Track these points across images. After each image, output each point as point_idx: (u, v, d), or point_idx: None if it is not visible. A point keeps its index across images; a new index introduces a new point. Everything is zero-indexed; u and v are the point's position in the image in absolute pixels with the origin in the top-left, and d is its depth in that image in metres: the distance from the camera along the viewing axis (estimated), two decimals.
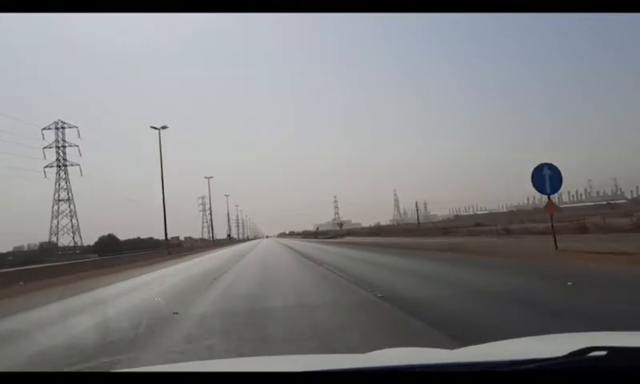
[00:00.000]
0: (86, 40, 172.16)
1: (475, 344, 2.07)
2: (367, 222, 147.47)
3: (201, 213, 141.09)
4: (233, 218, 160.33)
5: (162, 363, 5.12)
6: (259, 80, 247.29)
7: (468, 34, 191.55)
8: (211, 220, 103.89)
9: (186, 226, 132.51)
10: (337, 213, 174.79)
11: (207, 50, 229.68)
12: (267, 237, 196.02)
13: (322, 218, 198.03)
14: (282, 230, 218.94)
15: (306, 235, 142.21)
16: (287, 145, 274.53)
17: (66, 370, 5.17)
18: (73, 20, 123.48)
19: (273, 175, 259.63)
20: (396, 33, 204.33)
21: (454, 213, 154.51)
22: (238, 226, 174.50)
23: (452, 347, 1.99)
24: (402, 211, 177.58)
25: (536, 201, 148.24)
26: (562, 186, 17.65)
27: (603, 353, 1.37)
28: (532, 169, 17.30)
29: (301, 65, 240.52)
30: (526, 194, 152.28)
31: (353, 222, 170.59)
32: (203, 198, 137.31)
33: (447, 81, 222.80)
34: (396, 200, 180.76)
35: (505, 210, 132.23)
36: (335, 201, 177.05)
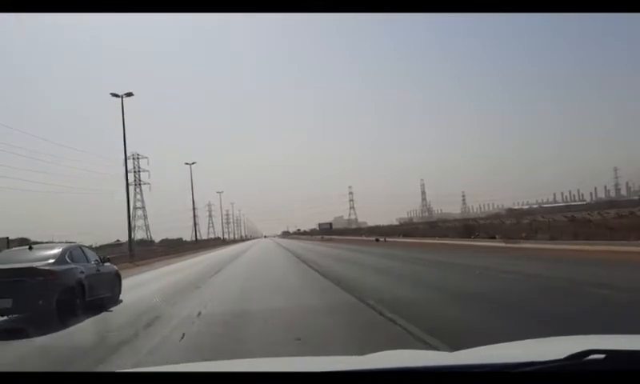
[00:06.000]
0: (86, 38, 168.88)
1: None
2: (375, 221, 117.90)
3: (135, 198, 79.62)
4: (223, 215, 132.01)
5: None
6: (260, 77, 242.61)
7: (479, 29, 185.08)
8: (194, 217, 77.88)
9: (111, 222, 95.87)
10: (352, 207, 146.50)
11: (208, 49, 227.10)
12: (265, 236, 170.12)
13: (325, 216, 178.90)
14: (284, 228, 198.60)
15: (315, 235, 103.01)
16: (288, 143, 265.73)
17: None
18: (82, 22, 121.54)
19: (273, 173, 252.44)
20: (407, 29, 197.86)
21: (501, 207, 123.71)
22: (229, 223, 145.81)
23: None
24: (428, 205, 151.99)
25: (571, 195, 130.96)
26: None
27: (602, 356, 1.39)
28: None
29: (303, 61, 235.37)
30: (552, 189, 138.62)
31: (359, 220, 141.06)
32: (136, 157, 72.60)
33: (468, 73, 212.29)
34: (423, 193, 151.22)
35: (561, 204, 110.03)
36: (350, 193, 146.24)
